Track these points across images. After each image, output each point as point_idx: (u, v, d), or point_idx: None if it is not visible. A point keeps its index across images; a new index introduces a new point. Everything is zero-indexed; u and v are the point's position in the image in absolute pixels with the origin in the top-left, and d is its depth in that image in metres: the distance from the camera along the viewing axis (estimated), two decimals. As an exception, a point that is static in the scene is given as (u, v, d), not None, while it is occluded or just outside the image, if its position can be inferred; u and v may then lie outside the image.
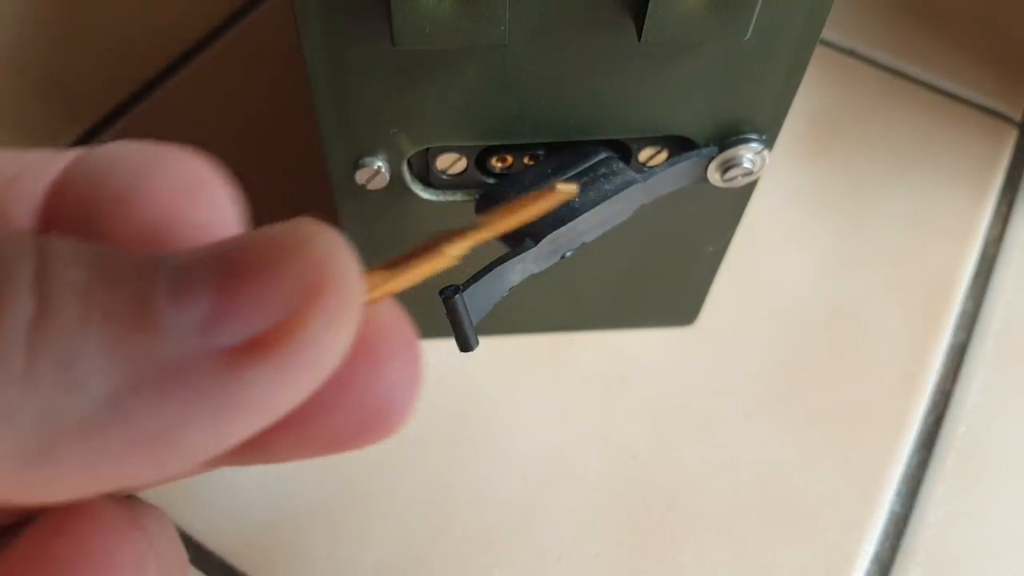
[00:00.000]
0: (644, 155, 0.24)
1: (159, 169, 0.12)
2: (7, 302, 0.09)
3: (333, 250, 0.11)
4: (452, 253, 0.12)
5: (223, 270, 0.10)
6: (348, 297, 0.10)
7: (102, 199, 0.12)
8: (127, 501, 0.12)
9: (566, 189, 0.12)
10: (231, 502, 0.29)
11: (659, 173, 0.23)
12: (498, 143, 0.23)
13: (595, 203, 0.22)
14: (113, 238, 0.12)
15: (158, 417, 0.09)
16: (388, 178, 0.23)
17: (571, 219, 0.22)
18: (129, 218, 0.12)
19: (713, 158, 0.24)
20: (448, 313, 0.20)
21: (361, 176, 0.23)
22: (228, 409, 0.10)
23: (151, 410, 0.09)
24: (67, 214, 0.12)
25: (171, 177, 0.12)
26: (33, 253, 0.10)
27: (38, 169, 0.13)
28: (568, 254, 0.22)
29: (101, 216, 0.12)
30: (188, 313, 0.10)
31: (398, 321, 0.13)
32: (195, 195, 0.13)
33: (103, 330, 0.09)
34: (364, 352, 0.12)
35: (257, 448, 0.12)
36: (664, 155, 0.24)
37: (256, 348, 0.10)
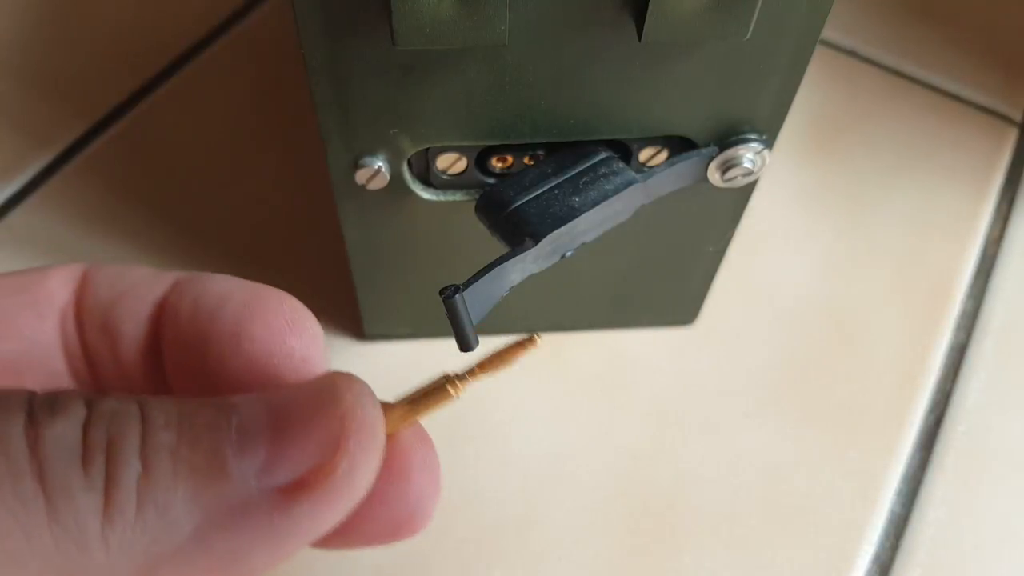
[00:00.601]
0: (644, 155, 0.24)
1: (264, 309, 0.16)
2: (124, 467, 0.12)
3: (357, 403, 0.14)
4: (455, 393, 0.15)
5: (274, 424, 0.13)
6: (368, 441, 0.13)
7: (212, 335, 0.15)
8: None
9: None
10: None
11: (659, 173, 0.23)
12: (498, 143, 0.23)
13: (595, 203, 0.22)
14: (223, 369, 0.15)
15: (230, 545, 0.13)
16: (388, 178, 0.23)
17: (571, 219, 0.22)
18: (238, 353, 0.15)
19: (713, 158, 0.24)
20: (448, 313, 0.20)
21: (361, 176, 0.23)
22: (281, 536, 0.13)
23: (225, 541, 0.13)
24: (177, 340, 0.16)
25: (274, 317, 0.16)
26: (138, 420, 0.13)
27: (142, 288, 0.16)
28: (568, 254, 0.22)
29: (211, 349, 0.15)
30: (249, 462, 0.13)
31: (421, 443, 0.16)
32: (294, 333, 0.16)
33: (188, 482, 0.13)
34: (393, 471, 0.15)
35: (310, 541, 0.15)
36: (664, 155, 0.24)
37: (300, 488, 0.13)
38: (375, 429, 0.14)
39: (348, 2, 0.19)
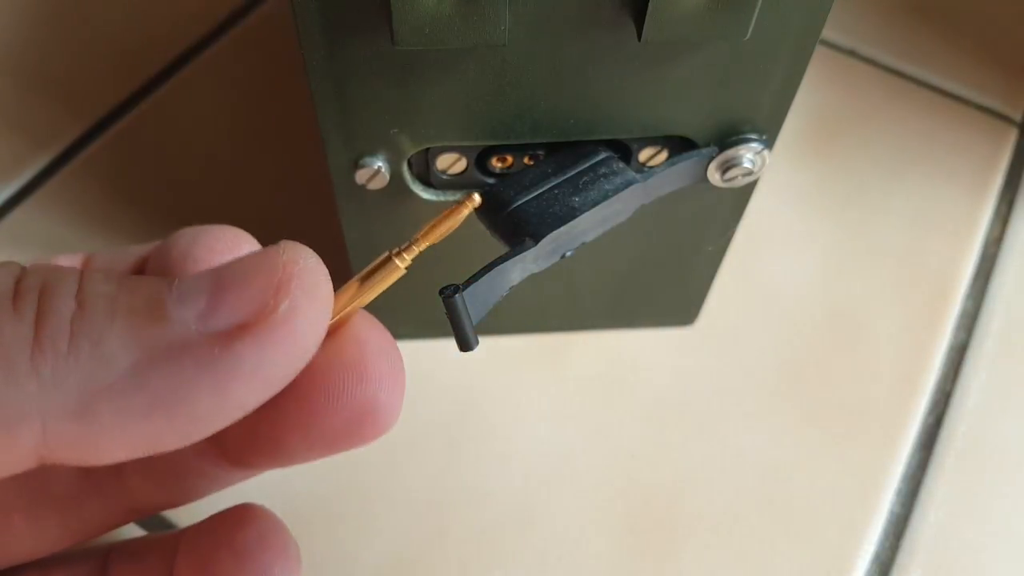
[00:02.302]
0: (644, 155, 0.24)
1: (208, 236, 0.17)
2: (55, 304, 0.13)
3: (299, 253, 0.14)
4: (402, 264, 0.16)
5: (216, 278, 0.13)
6: (311, 286, 0.13)
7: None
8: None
9: (473, 202, 0.16)
10: (229, 502, 0.29)
11: (659, 173, 0.23)
12: (498, 143, 0.23)
13: (595, 203, 0.22)
14: None
15: (169, 382, 0.13)
16: (388, 178, 0.23)
17: (571, 219, 0.22)
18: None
19: (713, 158, 0.24)
20: (448, 313, 0.20)
21: (361, 176, 0.23)
22: (224, 376, 0.13)
23: (163, 377, 0.13)
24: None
25: (215, 242, 0.17)
26: (76, 276, 0.13)
27: (132, 252, 0.17)
28: (568, 254, 0.22)
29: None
30: (189, 308, 0.13)
31: (378, 332, 0.16)
32: (232, 252, 0.17)
33: (125, 321, 0.13)
34: (347, 359, 0.15)
35: (268, 450, 0.16)
36: (664, 155, 0.24)
37: (241, 329, 0.13)
38: (317, 276, 0.14)
39: (347, 2, 0.19)
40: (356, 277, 0.16)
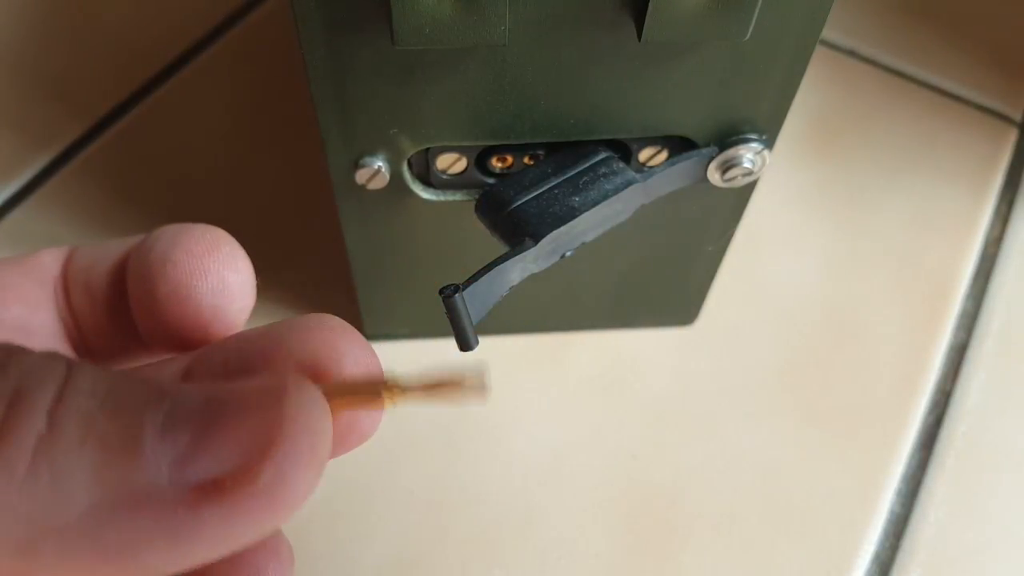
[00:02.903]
0: (644, 155, 0.24)
1: (188, 237, 0.16)
2: (24, 419, 0.11)
3: (299, 411, 0.12)
4: (389, 402, 0.14)
5: (205, 411, 0.12)
6: (305, 454, 0.12)
7: (149, 268, 0.16)
8: None
9: (474, 384, 0.14)
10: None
11: (659, 173, 0.23)
12: (498, 143, 0.23)
13: (595, 203, 0.22)
14: (154, 297, 0.15)
15: (124, 534, 0.11)
16: (388, 178, 0.23)
17: (571, 219, 0.22)
18: (164, 278, 0.15)
19: (713, 158, 0.24)
20: (448, 312, 0.20)
21: (361, 176, 0.23)
22: (182, 538, 0.11)
23: (119, 527, 0.11)
24: (132, 279, 0.16)
25: (195, 244, 0.16)
26: (59, 380, 0.12)
27: (115, 248, 0.16)
28: (568, 254, 0.22)
29: (148, 281, 0.15)
30: (168, 448, 0.11)
31: (355, 346, 0.15)
32: (210, 255, 0.16)
33: (95, 453, 0.11)
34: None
35: None
36: (664, 155, 0.24)
37: (214, 488, 0.11)
38: (316, 441, 0.12)
39: (348, 2, 0.19)
40: (339, 385, 0.14)
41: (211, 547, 0.12)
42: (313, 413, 0.12)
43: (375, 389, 0.14)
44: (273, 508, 0.11)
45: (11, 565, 0.11)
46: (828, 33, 0.42)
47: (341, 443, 0.14)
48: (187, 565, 0.12)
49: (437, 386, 0.14)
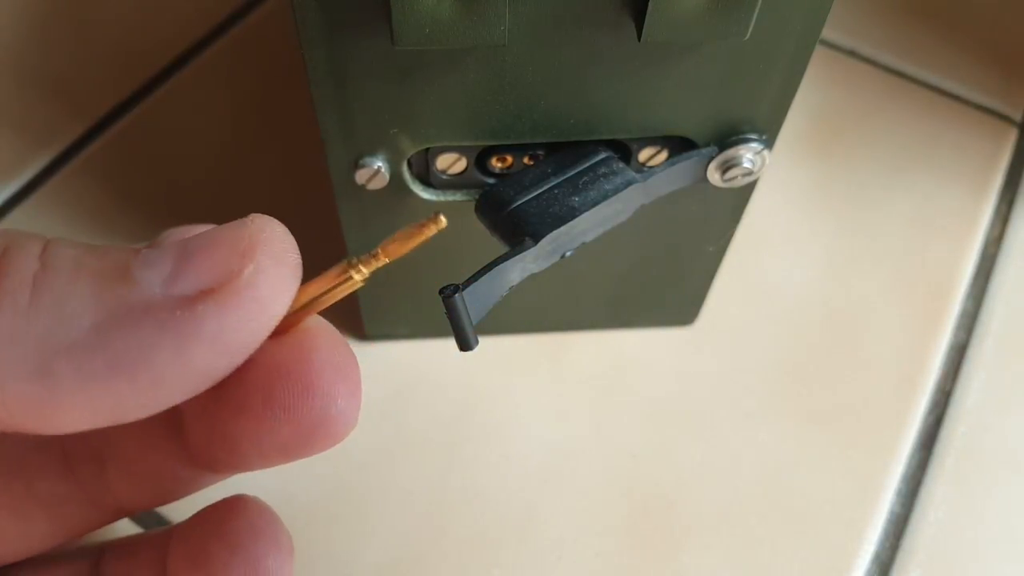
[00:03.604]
0: (644, 155, 0.24)
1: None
2: (19, 262, 0.12)
3: (264, 226, 0.14)
4: (358, 277, 0.15)
5: (183, 246, 0.13)
6: (278, 253, 0.13)
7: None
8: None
9: (440, 223, 0.15)
10: (225, 495, 0.29)
11: (659, 173, 0.23)
12: (498, 143, 0.23)
13: (595, 203, 0.22)
14: None
15: (131, 343, 0.12)
16: (388, 178, 0.23)
17: (571, 219, 0.22)
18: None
19: (713, 158, 0.24)
20: (448, 312, 0.20)
21: (361, 176, 0.23)
22: (185, 338, 0.12)
23: (126, 337, 0.12)
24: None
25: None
26: (42, 239, 0.13)
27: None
28: (568, 254, 0.22)
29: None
30: (155, 272, 0.13)
31: (329, 340, 0.15)
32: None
33: (90, 281, 0.13)
34: (297, 375, 0.14)
35: (229, 456, 0.15)
36: (664, 155, 0.24)
37: (205, 294, 0.13)
38: (285, 243, 0.14)
39: (348, 2, 0.19)
40: (309, 283, 0.15)
41: (212, 349, 0.13)
42: (273, 224, 0.14)
43: (343, 272, 0.15)
44: (259, 301, 0.13)
45: (31, 390, 0.12)
46: (828, 33, 0.42)
47: (311, 439, 0.15)
48: (194, 375, 0.13)
49: (403, 243, 0.15)
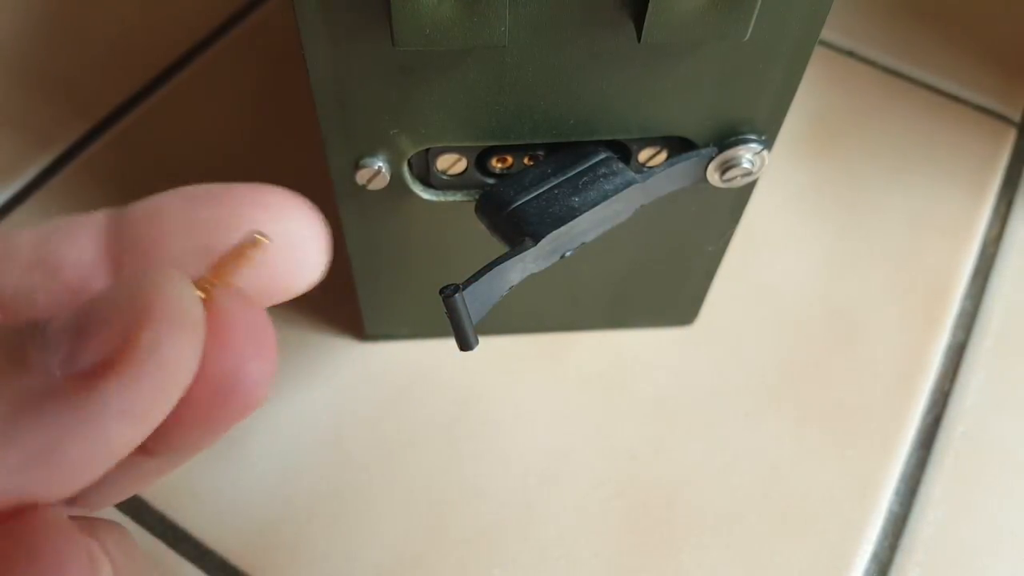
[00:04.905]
0: (644, 155, 0.24)
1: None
2: None
3: (160, 280, 0.13)
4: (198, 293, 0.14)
5: (79, 318, 0.13)
6: (176, 314, 0.13)
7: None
8: (83, 517, 0.15)
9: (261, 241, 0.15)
10: (232, 501, 0.29)
11: (658, 173, 0.23)
12: (498, 143, 0.23)
13: (595, 203, 0.22)
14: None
15: (40, 434, 0.12)
16: (388, 178, 0.23)
17: (571, 219, 0.22)
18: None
19: (712, 158, 0.24)
20: (448, 312, 0.20)
21: (362, 176, 0.23)
22: (95, 419, 0.12)
23: (32, 429, 0.12)
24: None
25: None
26: None
27: (79, 219, 0.16)
28: (568, 254, 0.22)
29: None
30: (51, 354, 0.12)
31: (238, 303, 0.15)
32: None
33: None
34: (218, 330, 0.14)
35: (153, 445, 0.14)
36: (663, 155, 0.24)
37: (103, 367, 0.12)
38: (183, 301, 0.13)
39: (349, 3, 0.19)
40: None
41: (124, 424, 0.12)
42: (170, 279, 0.13)
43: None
44: (162, 368, 0.12)
45: None
46: (827, 34, 0.42)
47: (225, 405, 0.14)
48: (111, 451, 0.12)
49: (225, 264, 0.15)
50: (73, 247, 0.15)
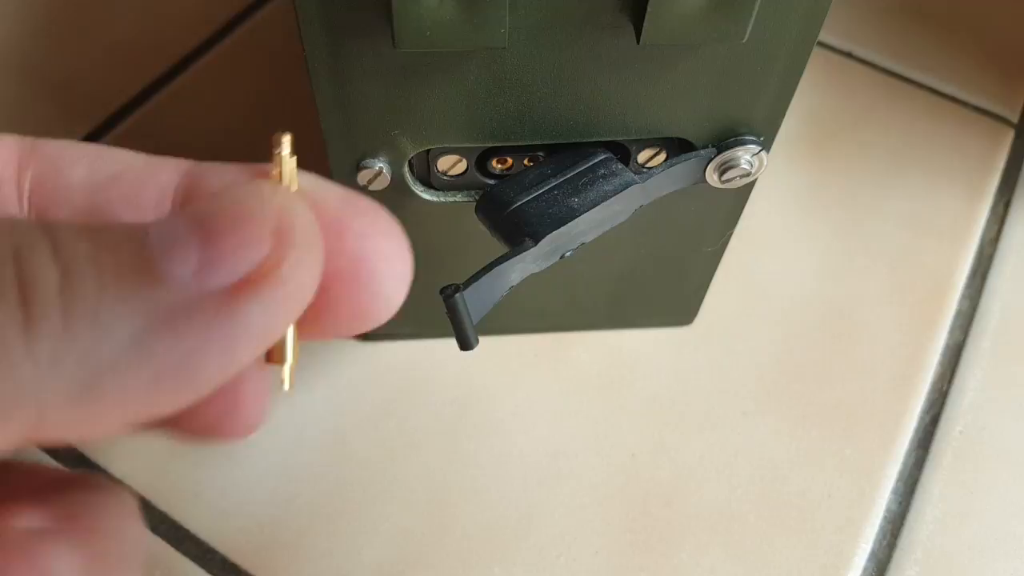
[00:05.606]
0: (643, 156, 0.24)
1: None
2: (38, 274, 0.11)
3: (288, 201, 0.13)
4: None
5: (201, 226, 0.12)
6: (311, 233, 0.13)
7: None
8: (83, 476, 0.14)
9: None
10: (233, 500, 0.29)
11: (658, 174, 0.23)
12: (498, 144, 0.23)
13: (594, 204, 0.22)
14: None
15: (176, 350, 0.12)
16: (389, 179, 0.23)
17: (570, 220, 0.22)
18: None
19: (711, 159, 0.24)
20: (448, 312, 0.20)
21: (363, 177, 0.23)
22: (233, 337, 0.12)
23: (169, 345, 0.12)
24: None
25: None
26: (45, 234, 0.12)
27: (141, 174, 0.15)
28: (568, 254, 0.22)
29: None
30: (181, 264, 0.12)
31: (376, 213, 0.15)
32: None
33: (117, 286, 0.11)
34: (349, 247, 0.14)
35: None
36: (663, 156, 0.24)
37: (246, 285, 0.12)
38: (312, 225, 0.13)
39: (350, 5, 0.19)
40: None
41: (259, 339, 0.12)
42: (294, 200, 0.13)
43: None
44: (300, 291, 0.12)
45: (73, 412, 0.11)
46: (825, 35, 0.42)
47: (227, 424, 0.15)
48: (236, 367, 0.12)
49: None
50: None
